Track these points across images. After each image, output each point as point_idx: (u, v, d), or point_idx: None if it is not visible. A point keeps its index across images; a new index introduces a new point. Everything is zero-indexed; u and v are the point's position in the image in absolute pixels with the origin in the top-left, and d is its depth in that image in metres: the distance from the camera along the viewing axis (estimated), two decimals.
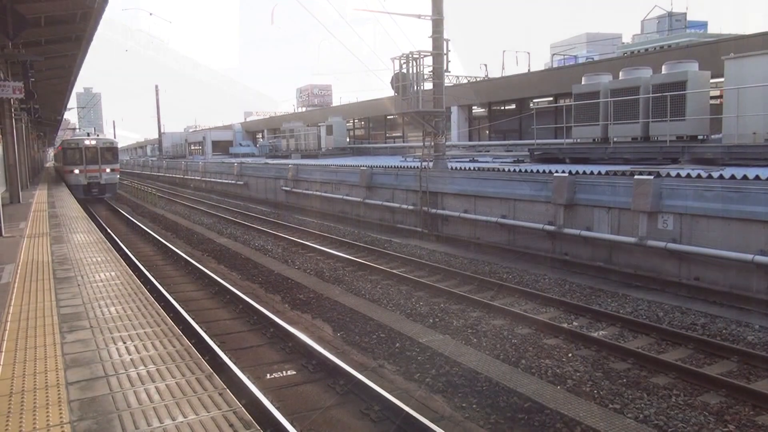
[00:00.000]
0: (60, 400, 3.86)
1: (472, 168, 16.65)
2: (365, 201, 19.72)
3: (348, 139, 38.92)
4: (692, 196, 10.12)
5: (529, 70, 33.33)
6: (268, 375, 7.06)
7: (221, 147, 56.87)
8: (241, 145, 53.98)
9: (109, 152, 29.63)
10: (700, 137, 14.74)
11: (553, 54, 47.39)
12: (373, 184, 19.47)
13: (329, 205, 22.49)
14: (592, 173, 12.39)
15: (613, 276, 11.40)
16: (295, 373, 7.11)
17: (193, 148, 61.10)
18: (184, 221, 21.71)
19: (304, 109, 67.09)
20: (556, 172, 13.05)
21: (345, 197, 21.05)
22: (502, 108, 28.42)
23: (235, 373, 6.56)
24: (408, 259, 13.32)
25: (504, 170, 15.10)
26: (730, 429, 5.61)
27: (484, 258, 13.53)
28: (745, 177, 9.78)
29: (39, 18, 15.78)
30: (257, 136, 58.63)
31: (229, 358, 7.17)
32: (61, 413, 3.67)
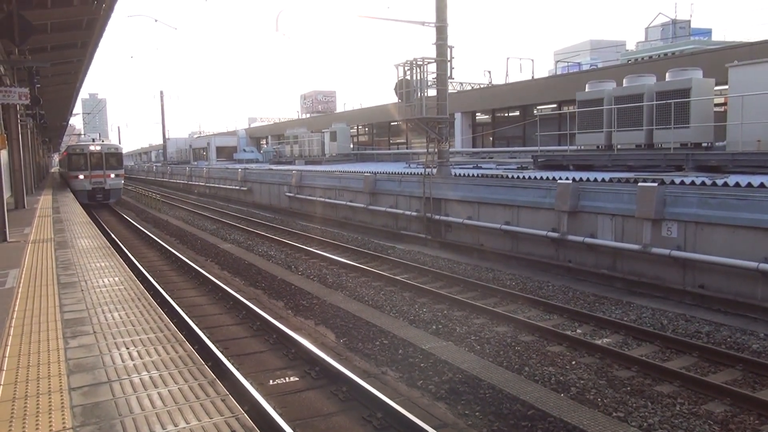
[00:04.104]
0: (63, 406, 3.86)
1: (475, 174, 16.66)
2: (369, 207, 19.73)
3: (352, 146, 38.98)
4: (697, 204, 10.09)
5: (532, 76, 33.36)
6: (271, 381, 7.05)
7: (225, 153, 57.02)
8: (245, 151, 54.11)
9: (113, 158, 29.78)
10: (704, 144, 14.74)
11: (557, 61, 47.42)
12: (377, 191, 19.48)
13: (333, 211, 22.52)
14: (596, 180, 12.39)
15: (617, 283, 11.37)
16: (297, 379, 7.10)
17: (197, 153, 61.26)
18: (188, 227, 21.74)
19: (308, 115, 67.24)
20: (560, 179, 13.04)
21: (349, 203, 21.07)
22: (506, 115, 28.44)
23: (238, 379, 6.55)
24: (411, 266, 13.31)
25: (508, 177, 15.10)
26: None
27: (487, 264, 13.51)
28: (749, 184, 9.76)
29: (45, 24, 15.91)
30: (261, 142, 58.79)
31: (232, 364, 7.16)
32: (63, 419, 3.68)
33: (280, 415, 5.71)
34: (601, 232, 11.81)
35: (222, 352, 7.70)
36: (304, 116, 67.15)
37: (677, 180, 10.86)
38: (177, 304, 10.04)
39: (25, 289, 7.29)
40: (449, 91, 17.77)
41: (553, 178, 13.35)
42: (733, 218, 9.51)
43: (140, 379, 4.32)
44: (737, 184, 9.93)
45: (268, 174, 29.78)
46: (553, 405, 6.08)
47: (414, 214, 17.42)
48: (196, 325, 8.85)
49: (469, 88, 34.39)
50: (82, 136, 62.48)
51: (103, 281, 7.69)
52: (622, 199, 11.33)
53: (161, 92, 59.98)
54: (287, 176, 26.50)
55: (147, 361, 4.68)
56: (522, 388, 6.51)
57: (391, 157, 33.68)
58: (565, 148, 19.49)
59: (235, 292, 11.08)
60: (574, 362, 7.46)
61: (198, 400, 3.93)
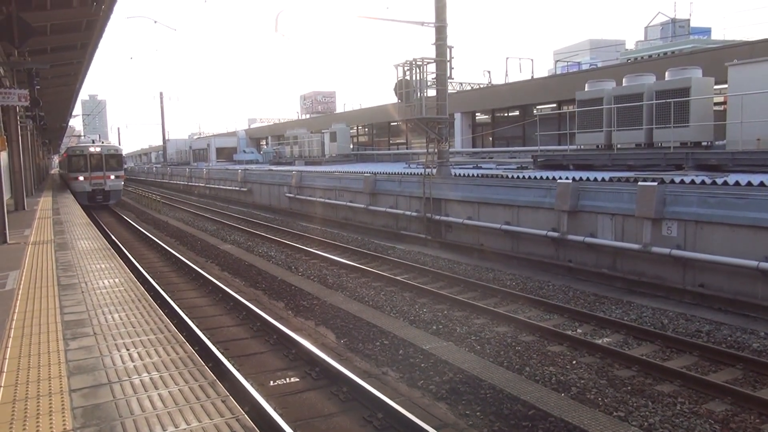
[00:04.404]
0: (63, 408, 3.86)
1: (475, 174, 16.66)
2: (369, 207, 19.73)
3: (351, 146, 38.98)
4: (696, 203, 10.09)
5: (532, 76, 33.37)
6: (272, 382, 7.05)
7: (225, 154, 57.05)
8: (245, 151, 54.13)
9: (113, 159, 29.80)
10: (704, 144, 14.74)
11: (557, 60, 47.45)
12: (377, 191, 19.48)
13: (333, 211, 22.52)
14: (595, 180, 12.38)
15: (617, 283, 11.37)
16: (298, 380, 7.10)
17: (197, 154, 61.27)
18: (188, 228, 21.75)
19: (308, 115, 67.27)
20: (560, 178, 13.04)
21: (349, 204, 21.07)
22: (506, 114, 28.45)
23: (238, 380, 6.55)
24: (411, 266, 13.30)
25: (508, 177, 15.10)
26: None
27: (487, 265, 13.51)
28: (749, 183, 9.76)
29: (45, 26, 15.91)
30: (261, 143, 58.81)
31: (233, 365, 7.16)
32: (64, 420, 3.68)
33: (281, 415, 5.71)
34: (602, 232, 11.81)
35: (222, 353, 7.70)
36: (303, 117, 67.19)
37: (677, 179, 10.86)
38: (177, 306, 10.04)
39: (26, 290, 7.29)
40: (449, 91, 17.77)
41: (553, 178, 13.34)
42: (733, 217, 9.51)
43: (141, 380, 4.32)
44: (737, 183, 9.93)
45: (268, 175, 29.78)
46: (553, 405, 6.08)
47: (414, 214, 17.42)
48: (197, 326, 8.85)
49: (468, 88, 34.41)
50: (82, 137, 62.50)
51: (104, 283, 7.69)
52: (622, 199, 11.33)
53: (161, 93, 60.05)
54: (287, 177, 26.51)
55: (147, 363, 4.68)
56: (523, 388, 6.51)
57: (390, 158, 33.69)
58: (565, 147, 19.50)
59: (236, 293, 11.08)
60: (574, 362, 7.46)
61: (198, 401, 3.93)
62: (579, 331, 8.78)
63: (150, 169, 68.08)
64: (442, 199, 16.48)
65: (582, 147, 17.48)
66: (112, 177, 29.57)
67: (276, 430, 5.41)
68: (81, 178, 28.82)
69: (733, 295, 9.52)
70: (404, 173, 19.38)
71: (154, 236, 19.20)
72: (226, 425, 3.58)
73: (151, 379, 4.34)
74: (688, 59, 18.45)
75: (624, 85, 16.03)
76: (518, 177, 14.74)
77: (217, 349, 7.83)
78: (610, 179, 12.20)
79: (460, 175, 17.03)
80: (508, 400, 6.27)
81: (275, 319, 9.23)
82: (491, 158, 25.34)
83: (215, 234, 19.85)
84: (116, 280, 7.87)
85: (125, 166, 48.14)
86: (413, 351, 7.81)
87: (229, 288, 11.47)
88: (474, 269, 13.05)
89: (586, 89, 17.32)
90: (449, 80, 17.38)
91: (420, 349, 7.82)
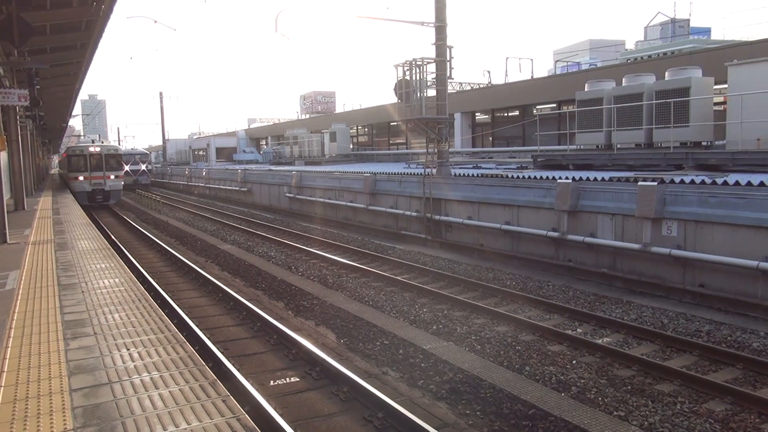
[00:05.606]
0: (64, 407, 3.86)
1: (475, 174, 16.65)
2: (369, 207, 19.74)
3: (351, 146, 38.97)
4: (696, 203, 10.10)
5: (532, 76, 33.38)
6: (272, 382, 7.05)
7: (225, 154, 57.01)
8: (245, 151, 54.09)
9: (113, 159, 29.84)
10: (703, 143, 14.74)
11: (557, 60, 47.47)
12: (377, 191, 19.48)
13: (333, 211, 22.52)
14: (595, 180, 12.39)
15: (617, 282, 11.37)
16: (298, 379, 7.10)
17: (197, 154, 61.25)
18: (188, 228, 21.74)
19: (307, 115, 67.25)
20: (560, 178, 13.04)
21: (349, 204, 21.07)
22: (506, 114, 28.45)
23: (239, 380, 6.55)
24: (411, 266, 13.31)
25: (507, 177, 15.10)
26: None
27: (487, 264, 13.51)
28: (749, 183, 9.76)
29: (44, 26, 15.91)
30: (261, 143, 58.79)
31: (233, 365, 7.16)
32: (64, 420, 3.68)
33: (281, 415, 5.71)
34: (601, 232, 11.81)
35: (223, 353, 7.70)
36: (303, 117, 67.15)
37: (677, 179, 10.86)
38: (177, 306, 10.04)
39: (26, 290, 7.29)
40: (449, 91, 17.76)
41: (553, 178, 13.35)
42: (733, 217, 9.51)
43: (141, 380, 4.32)
44: (737, 183, 9.93)
45: (267, 175, 29.78)
46: (553, 404, 6.08)
47: (414, 214, 17.42)
48: (197, 326, 8.85)
49: (468, 88, 34.42)
50: (82, 137, 62.45)
51: (104, 282, 7.69)
52: (622, 199, 11.34)
53: (161, 93, 59.94)
54: (287, 177, 26.51)
55: (148, 362, 4.68)
56: (523, 388, 6.51)
57: (390, 158, 33.68)
58: (565, 147, 19.49)
59: (236, 293, 11.08)
60: (574, 361, 7.46)
61: (199, 401, 3.93)
62: (579, 330, 8.78)
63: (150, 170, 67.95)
64: (442, 199, 16.48)
65: (582, 147, 17.48)
66: (112, 177, 29.61)
67: (276, 430, 5.41)
68: (81, 178, 28.85)
69: (733, 295, 9.53)
70: (404, 173, 19.38)
71: (154, 236, 19.20)
72: (227, 425, 3.58)
73: (151, 378, 4.34)
74: (687, 59, 18.45)
75: (624, 85, 16.03)
76: (518, 177, 14.74)
77: (217, 348, 7.83)
78: (610, 179, 12.20)
79: (460, 175, 17.02)
80: (508, 399, 6.27)
81: (275, 319, 9.23)
82: (491, 158, 25.34)
83: (215, 234, 19.85)
84: (116, 279, 7.87)
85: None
86: (413, 351, 7.81)
87: (229, 288, 11.47)
88: (474, 269, 13.05)
89: (586, 89, 17.32)
90: (449, 80, 17.38)
91: (420, 349, 7.81)
